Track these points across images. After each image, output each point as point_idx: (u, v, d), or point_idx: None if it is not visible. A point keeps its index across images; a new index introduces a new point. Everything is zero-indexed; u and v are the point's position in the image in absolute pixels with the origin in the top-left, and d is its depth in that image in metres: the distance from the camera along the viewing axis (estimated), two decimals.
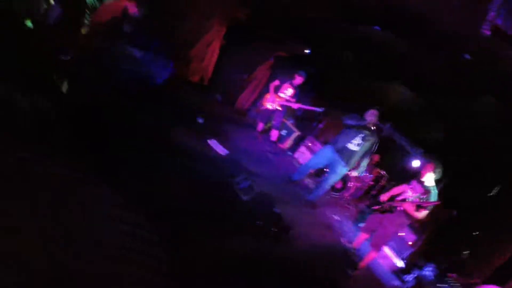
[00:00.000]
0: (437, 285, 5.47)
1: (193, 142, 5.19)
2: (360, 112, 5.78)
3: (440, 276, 5.52)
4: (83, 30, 4.94)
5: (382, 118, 8.24)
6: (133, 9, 4.80)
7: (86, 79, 4.48)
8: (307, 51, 7.92)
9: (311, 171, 6.80)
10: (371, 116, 5.62)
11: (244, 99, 7.41)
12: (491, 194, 6.16)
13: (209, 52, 5.69)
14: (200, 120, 5.58)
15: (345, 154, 5.62)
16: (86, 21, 5.60)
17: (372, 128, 5.66)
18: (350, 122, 5.65)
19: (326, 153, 5.84)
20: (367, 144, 5.68)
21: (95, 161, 3.16)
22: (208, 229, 3.32)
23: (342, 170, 5.72)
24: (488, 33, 4.23)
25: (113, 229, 2.58)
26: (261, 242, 3.73)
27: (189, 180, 3.94)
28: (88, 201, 2.75)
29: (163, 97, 5.70)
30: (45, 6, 5.72)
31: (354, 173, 7.61)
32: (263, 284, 3.21)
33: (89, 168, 3.00)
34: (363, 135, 5.63)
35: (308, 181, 7.05)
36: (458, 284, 5.32)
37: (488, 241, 5.94)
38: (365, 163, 5.92)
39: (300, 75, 7.11)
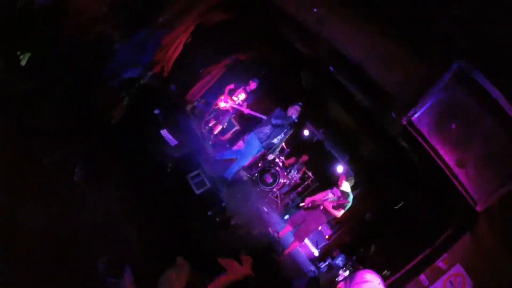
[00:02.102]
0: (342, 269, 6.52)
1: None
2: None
3: (349, 265, 6.51)
4: None
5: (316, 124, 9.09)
6: None
7: None
8: None
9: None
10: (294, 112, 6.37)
11: (196, 91, 7.82)
12: (396, 207, 7.05)
13: (174, 46, 5.96)
14: (157, 111, 5.92)
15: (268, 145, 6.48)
16: None
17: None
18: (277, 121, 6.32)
19: (253, 148, 6.50)
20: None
21: None
22: None
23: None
24: None
25: None
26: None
27: None
28: None
29: None
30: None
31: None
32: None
33: None
34: (286, 130, 6.42)
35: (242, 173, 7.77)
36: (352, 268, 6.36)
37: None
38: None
39: (254, 82, 7.62)
